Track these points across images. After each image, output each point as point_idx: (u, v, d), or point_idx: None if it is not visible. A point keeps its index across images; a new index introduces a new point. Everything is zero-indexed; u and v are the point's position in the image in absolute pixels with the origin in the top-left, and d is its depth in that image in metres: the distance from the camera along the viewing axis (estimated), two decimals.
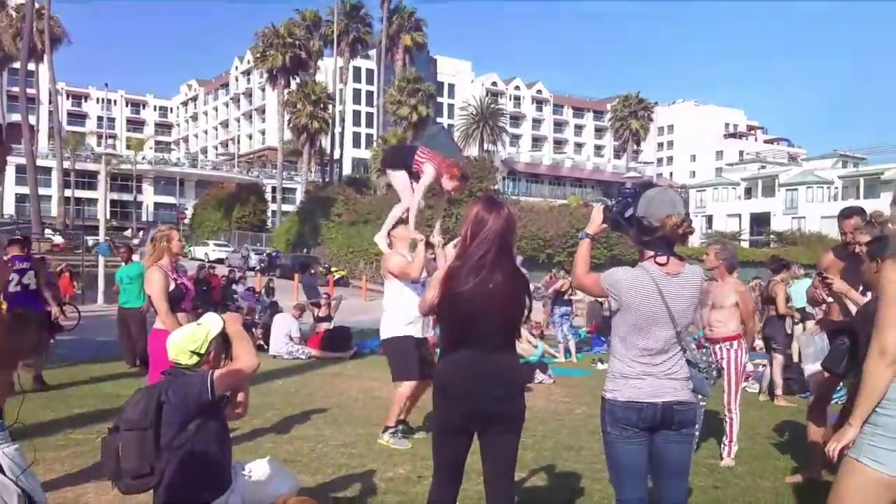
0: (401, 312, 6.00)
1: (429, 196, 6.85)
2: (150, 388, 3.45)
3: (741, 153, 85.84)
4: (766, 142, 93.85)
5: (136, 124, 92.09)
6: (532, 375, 9.60)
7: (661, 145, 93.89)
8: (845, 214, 4.95)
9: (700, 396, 3.35)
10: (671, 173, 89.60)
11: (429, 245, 5.91)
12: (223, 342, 3.46)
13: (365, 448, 5.76)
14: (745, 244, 55.56)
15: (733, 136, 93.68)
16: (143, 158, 62.51)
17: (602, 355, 12.48)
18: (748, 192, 65.00)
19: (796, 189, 60.18)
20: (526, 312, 3.29)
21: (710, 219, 64.43)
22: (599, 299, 18.21)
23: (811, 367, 5.55)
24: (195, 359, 3.38)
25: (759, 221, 60.79)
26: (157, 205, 65.46)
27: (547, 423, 7.17)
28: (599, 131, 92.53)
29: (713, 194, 67.69)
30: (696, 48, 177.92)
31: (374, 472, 5.00)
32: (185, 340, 3.39)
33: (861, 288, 4.40)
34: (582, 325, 16.68)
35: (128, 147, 62.31)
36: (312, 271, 13.75)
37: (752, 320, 6.02)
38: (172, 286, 5.05)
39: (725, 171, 75.69)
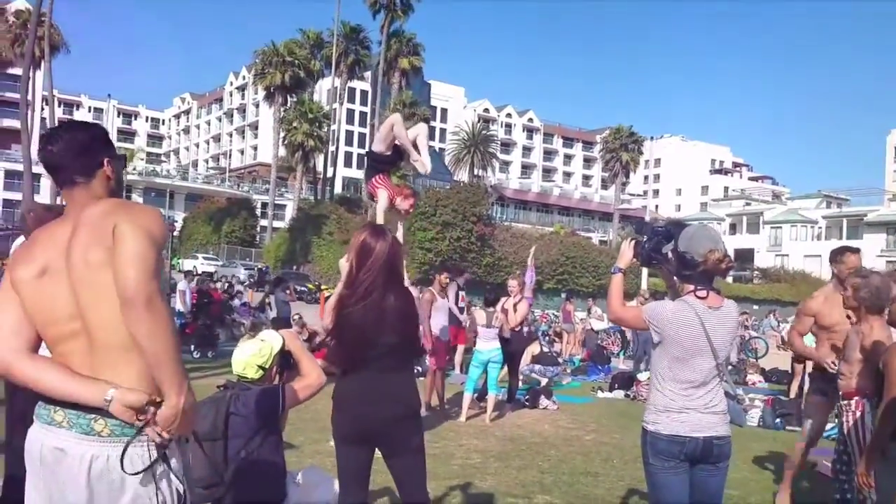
0: None
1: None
2: (215, 400, 3.62)
3: (726, 189, 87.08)
4: (750, 179, 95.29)
5: (127, 135, 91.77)
6: (536, 401, 9.80)
7: (647, 178, 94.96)
8: (852, 250, 5.07)
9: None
10: (657, 206, 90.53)
11: None
12: (281, 358, 3.65)
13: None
14: (730, 279, 56.20)
15: (719, 172, 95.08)
16: (134, 169, 62.28)
17: (601, 383, 12.66)
18: (733, 228, 65.89)
19: (780, 227, 61.12)
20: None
21: None
22: (596, 328, 18.60)
23: None
24: (260, 373, 3.55)
25: (744, 257, 61.56)
26: None
27: (559, 448, 7.36)
28: (588, 161, 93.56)
29: None
30: (683, 84, 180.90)
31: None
32: (253, 356, 3.55)
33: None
34: (578, 353, 16.89)
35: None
36: (286, 288, 13.71)
37: None
38: None
39: (711, 206, 76.74)
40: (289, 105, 46.38)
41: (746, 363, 15.45)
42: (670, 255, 3.20)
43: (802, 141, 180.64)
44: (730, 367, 10.44)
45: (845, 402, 4.25)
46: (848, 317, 4.43)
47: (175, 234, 53.98)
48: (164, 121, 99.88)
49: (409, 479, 3.32)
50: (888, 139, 75.04)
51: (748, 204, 70.15)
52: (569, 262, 39.51)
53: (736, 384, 13.72)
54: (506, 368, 9.45)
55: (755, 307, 35.15)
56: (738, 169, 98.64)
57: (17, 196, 45.15)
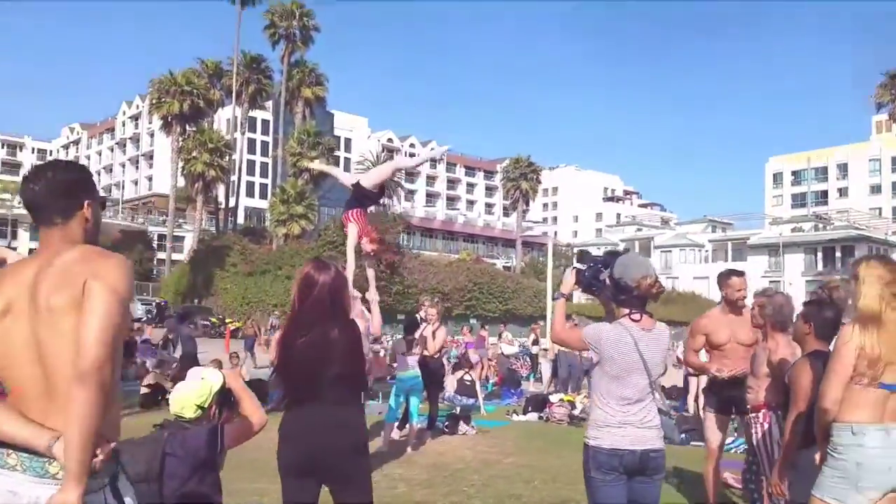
0: None
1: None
2: (151, 440, 3.56)
3: (619, 216, 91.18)
4: (640, 206, 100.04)
5: (11, 167, 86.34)
6: (456, 427, 9.95)
7: (546, 205, 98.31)
8: (737, 273, 5.40)
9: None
10: (556, 232, 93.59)
11: (364, 300, 6.39)
12: (220, 397, 3.64)
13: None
14: None
15: (611, 199, 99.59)
16: (20, 203, 58.71)
17: (514, 406, 12.96)
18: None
19: (670, 251, 64.33)
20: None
21: None
22: (507, 353, 19.00)
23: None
24: (199, 412, 3.51)
25: None
26: (32, 251, 61.09)
27: (481, 472, 7.52)
28: (490, 190, 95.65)
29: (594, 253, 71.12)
30: (577, 115, 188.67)
31: None
32: (192, 395, 3.52)
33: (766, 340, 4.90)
34: (492, 377, 17.16)
35: (3, 191, 58.38)
36: (192, 323, 13.21)
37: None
38: None
39: (605, 231, 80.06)
40: (187, 134, 45.16)
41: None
42: (607, 281, 3.45)
43: (687, 169, 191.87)
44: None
45: (753, 414, 4.59)
46: (758, 336, 4.76)
47: None
48: (51, 151, 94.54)
49: None
50: (766, 167, 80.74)
51: (639, 230, 73.49)
52: (476, 288, 40.17)
53: None
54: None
55: None
56: (628, 196, 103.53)
57: None
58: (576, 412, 12.20)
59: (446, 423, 10.03)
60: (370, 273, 7.16)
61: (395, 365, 9.71)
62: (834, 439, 3.04)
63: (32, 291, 2.00)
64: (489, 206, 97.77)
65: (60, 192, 2.11)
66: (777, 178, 79.27)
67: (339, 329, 3.27)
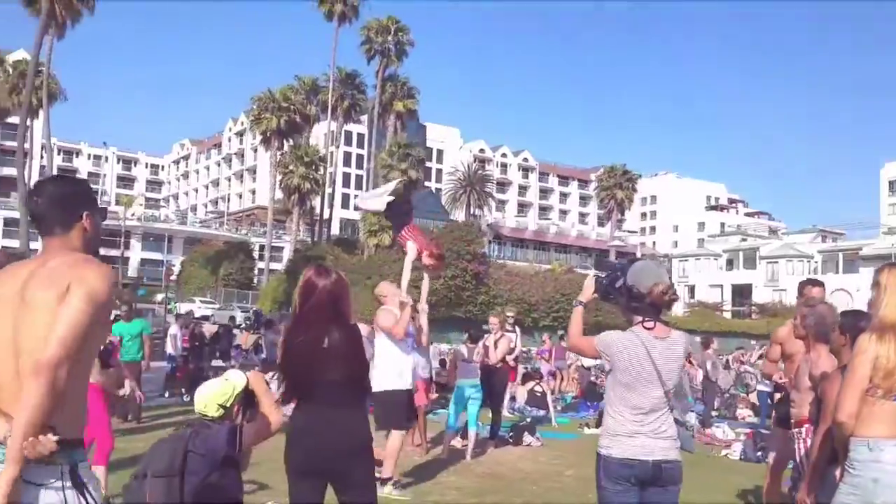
0: (392, 366, 6.41)
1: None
2: (173, 438, 3.72)
3: (722, 225, 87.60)
4: (747, 215, 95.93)
5: (126, 181, 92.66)
6: (521, 437, 9.82)
7: (644, 215, 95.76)
8: (816, 283, 5.25)
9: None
10: (654, 243, 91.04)
11: (414, 309, 6.46)
12: (244, 398, 3.76)
13: None
14: (728, 314, 56.21)
15: (714, 208, 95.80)
16: (133, 215, 62.76)
17: (589, 420, 12.66)
18: (730, 264, 66.05)
19: (777, 262, 61.28)
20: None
21: (692, 288, 65.21)
22: (587, 364, 18.60)
23: None
24: (221, 412, 3.64)
25: (741, 292, 61.61)
26: (143, 261, 65.28)
27: (538, 483, 7.39)
28: (584, 199, 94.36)
29: (695, 265, 68.71)
30: (677, 121, 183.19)
31: None
32: (215, 394, 3.65)
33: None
34: (571, 390, 16.87)
35: (117, 203, 62.70)
36: (277, 330, 13.71)
37: None
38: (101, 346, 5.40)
39: (708, 242, 77.03)
40: (285, 149, 47.02)
41: (737, 398, 15.45)
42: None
43: (797, 176, 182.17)
44: (726, 396, 10.62)
45: (796, 429, 4.35)
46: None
47: (173, 278, 54.21)
48: (163, 166, 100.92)
49: None
50: (882, 173, 75.59)
51: (744, 239, 70.44)
52: (564, 299, 39.56)
53: (725, 419, 13.75)
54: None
55: (753, 342, 35.05)
56: (734, 205, 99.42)
57: (16, 243, 45.50)
58: None
59: (511, 433, 9.92)
60: (425, 285, 7.23)
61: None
62: (851, 454, 2.90)
63: (22, 290, 2.15)
64: (583, 215, 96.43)
65: (60, 205, 2.28)
66: (893, 185, 74.01)
67: (338, 332, 3.32)
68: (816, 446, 3.46)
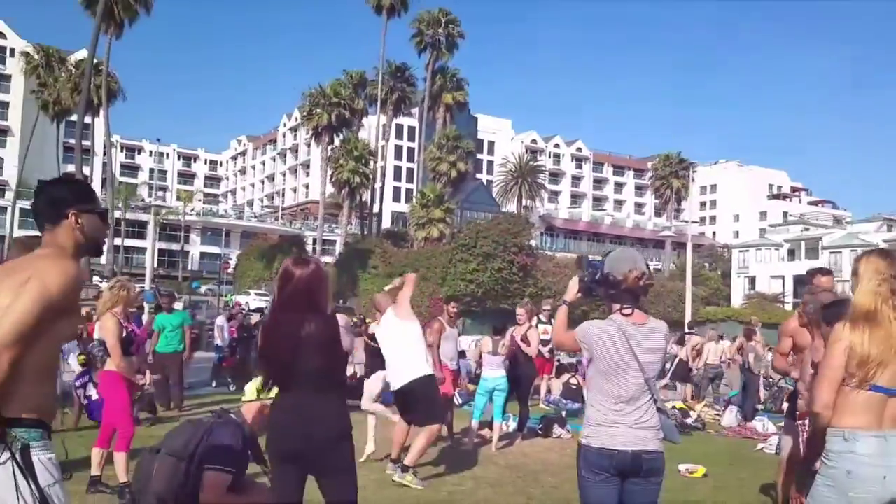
0: (422, 351, 6.52)
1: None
2: (198, 423, 3.85)
3: (785, 214, 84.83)
4: (810, 203, 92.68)
5: (186, 177, 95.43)
6: (550, 429, 9.76)
7: (703, 204, 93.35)
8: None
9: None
10: (714, 233, 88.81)
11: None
12: None
13: (374, 491, 6.04)
14: (789, 306, 54.43)
15: (777, 197, 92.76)
16: (192, 210, 64.58)
17: None
18: (791, 254, 63.97)
19: (840, 252, 59.00)
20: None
21: (752, 280, 63.46)
22: None
23: None
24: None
25: (803, 283, 59.40)
26: (203, 254, 67.28)
27: (558, 475, 7.33)
28: (640, 189, 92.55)
29: (756, 255, 66.77)
30: (736, 108, 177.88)
31: None
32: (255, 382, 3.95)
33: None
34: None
35: (178, 199, 64.62)
36: None
37: None
38: (124, 333, 5.53)
39: (769, 232, 74.69)
40: (335, 144, 47.59)
41: (785, 391, 15.00)
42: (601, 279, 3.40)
43: (864, 163, 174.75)
44: (774, 389, 10.28)
45: (801, 421, 4.23)
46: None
47: (229, 271, 55.62)
48: (221, 162, 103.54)
49: (340, 500, 3.42)
50: None
51: (806, 229, 68.06)
52: None
53: (771, 412, 13.39)
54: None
55: None
56: (797, 194, 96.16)
57: None
58: (689, 420, 11.59)
59: (540, 425, 9.86)
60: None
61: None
62: (827, 445, 2.81)
63: (2, 278, 2.32)
64: (639, 205, 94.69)
65: (48, 203, 2.49)
66: None
67: (315, 321, 3.35)
68: (807, 440, 3.36)
